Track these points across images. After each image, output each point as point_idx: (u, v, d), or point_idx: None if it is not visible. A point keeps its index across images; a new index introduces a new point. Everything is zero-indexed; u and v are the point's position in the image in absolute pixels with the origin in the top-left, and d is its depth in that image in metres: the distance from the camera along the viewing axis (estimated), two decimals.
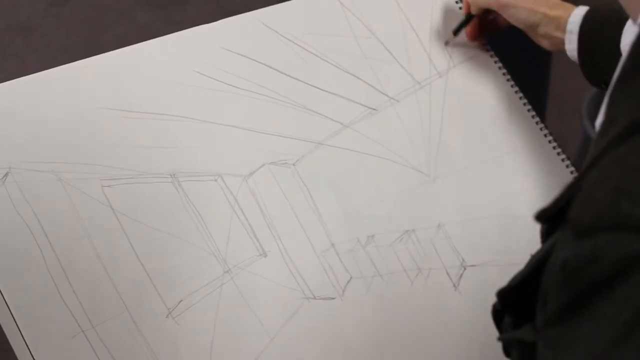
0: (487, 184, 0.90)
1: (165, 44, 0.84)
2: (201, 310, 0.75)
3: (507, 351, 0.58)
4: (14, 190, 0.72)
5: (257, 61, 0.87)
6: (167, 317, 0.74)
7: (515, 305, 0.55)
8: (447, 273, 0.84)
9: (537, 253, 0.52)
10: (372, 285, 0.81)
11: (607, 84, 0.85)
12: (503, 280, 0.54)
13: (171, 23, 2.35)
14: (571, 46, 0.87)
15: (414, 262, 0.83)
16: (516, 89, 0.95)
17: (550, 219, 0.50)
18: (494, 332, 0.59)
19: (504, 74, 0.96)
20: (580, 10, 0.86)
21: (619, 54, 0.82)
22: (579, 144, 1.80)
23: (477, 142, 0.91)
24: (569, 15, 0.87)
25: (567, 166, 0.92)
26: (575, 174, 0.92)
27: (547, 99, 1.58)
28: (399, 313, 0.81)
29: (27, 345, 0.69)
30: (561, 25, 0.87)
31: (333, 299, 0.80)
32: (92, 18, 2.44)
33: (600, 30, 0.84)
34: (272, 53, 0.88)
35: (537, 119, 0.94)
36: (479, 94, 0.94)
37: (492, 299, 0.57)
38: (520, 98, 0.95)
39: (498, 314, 0.58)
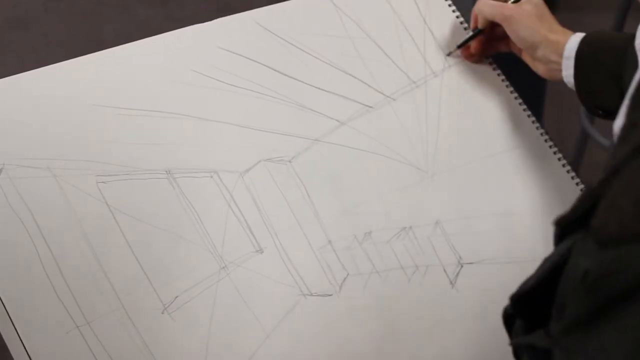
0: (484, 182, 0.90)
1: (161, 42, 0.84)
2: (197, 307, 0.74)
3: (517, 355, 0.58)
4: (8, 186, 0.72)
5: (252, 60, 0.86)
6: (162, 313, 0.74)
7: (527, 309, 0.55)
8: (445, 270, 0.84)
9: (551, 257, 0.51)
10: (369, 282, 0.81)
11: (603, 110, 0.85)
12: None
13: (171, 19, 2.36)
14: (568, 72, 0.87)
15: (411, 259, 0.83)
16: (511, 89, 0.96)
17: (569, 224, 0.49)
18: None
19: (498, 75, 0.96)
20: (577, 37, 0.87)
21: (616, 80, 0.82)
22: (577, 142, 1.80)
23: (473, 140, 0.91)
24: (567, 41, 0.87)
25: (564, 165, 0.92)
26: (572, 173, 0.92)
27: (545, 97, 1.58)
28: (395, 310, 0.81)
29: (21, 341, 0.68)
30: (559, 49, 0.87)
31: (330, 295, 0.79)
32: (91, 13, 2.44)
33: (597, 57, 0.84)
34: (268, 52, 0.88)
35: (533, 118, 0.94)
36: (474, 94, 0.95)
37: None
38: (516, 98, 0.95)
39: (509, 318, 0.57)
